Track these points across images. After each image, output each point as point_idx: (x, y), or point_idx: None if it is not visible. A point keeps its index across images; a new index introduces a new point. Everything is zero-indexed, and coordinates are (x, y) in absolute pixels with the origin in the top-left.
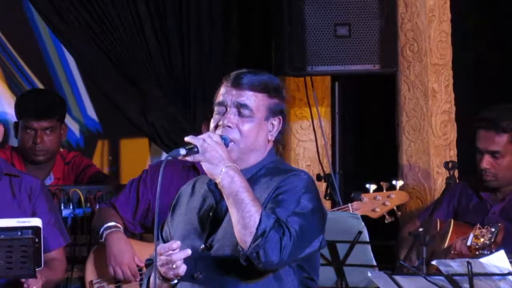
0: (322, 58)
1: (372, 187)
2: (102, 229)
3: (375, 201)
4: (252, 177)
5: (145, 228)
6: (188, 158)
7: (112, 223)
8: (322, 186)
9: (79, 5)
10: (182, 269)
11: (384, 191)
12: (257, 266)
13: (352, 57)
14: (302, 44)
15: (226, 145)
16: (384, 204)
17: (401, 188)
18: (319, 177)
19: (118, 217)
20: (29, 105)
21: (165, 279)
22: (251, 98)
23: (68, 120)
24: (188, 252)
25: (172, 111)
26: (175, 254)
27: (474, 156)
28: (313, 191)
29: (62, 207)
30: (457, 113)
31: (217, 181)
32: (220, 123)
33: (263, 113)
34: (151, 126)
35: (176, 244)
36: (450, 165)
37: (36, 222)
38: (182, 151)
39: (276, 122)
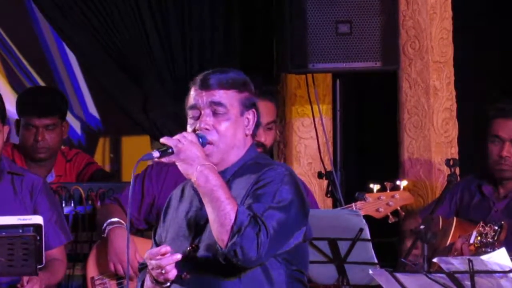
0: (324, 56)
1: (376, 187)
2: (105, 224)
3: (379, 201)
4: (234, 175)
5: (149, 224)
6: (164, 160)
7: (115, 219)
8: (323, 184)
9: (81, 2)
10: (172, 273)
11: (388, 191)
12: (236, 263)
13: (353, 54)
14: (303, 41)
15: (203, 144)
16: (388, 204)
17: (405, 188)
18: (320, 175)
19: (123, 212)
20: (31, 102)
21: (157, 282)
22: (222, 95)
23: (69, 117)
24: (178, 256)
25: (173, 108)
26: (165, 258)
27: (476, 153)
28: (290, 183)
29: (64, 205)
30: (459, 110)
31: (193, 180)
32: (197, 127)
33: (237, 109)
34: (152, 123)
35: (164, 248)
36: (451, 162)
37: (37, 219)
38: (156, 154)
39: (250, 116)
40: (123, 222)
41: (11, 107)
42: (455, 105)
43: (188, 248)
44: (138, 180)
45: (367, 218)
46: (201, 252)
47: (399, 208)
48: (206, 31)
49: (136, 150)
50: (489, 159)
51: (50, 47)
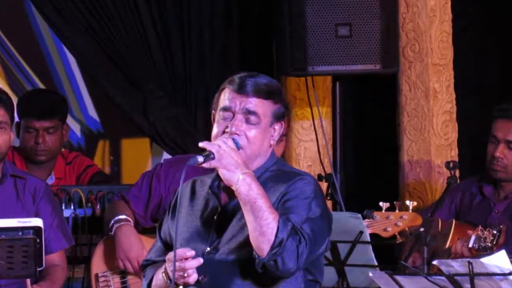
0: (323, 58)
1: (385, 205)
2: (112, 222)
3: (387, 220)
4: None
5: (156, 222)
6: (205, 165)
7: (123, 216)
8: (323, 186)
9: (80, 4)
10: (193, 278)
11: (397, 211)
12: (273, 273)
13: (353, 57)
14: (303, 44)
15: (238, 149)
16: (396, 224)
17: (414, 208)
18: (320, 177)
19: (129, 210)
20: (31, 105)
21: (175, 284)
22: (258, 104)
23: (69, 120)
24: (201, 260)
25: (173, 111)
26: (188, 262)
27: (475, 156)
28: (320, 195)
29: (63, 207)
30: (458, 113)
31: (234, 187)
32: (228, 129)
33: (269, 119)
34: (152, 126)
35: (190, 253)
36: (451, 165)
37: (37, 222)
38: (200, 159)
39: (278, 127)
40: (130, 219)
41: None
42: (455, 108)
43: (207, 250)
44: (146, 179)
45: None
46: (220, 255)
47: (407, 229)
48: (206, 34)
49: (136, 153)
50: (486, 158)
51: (50, 49)
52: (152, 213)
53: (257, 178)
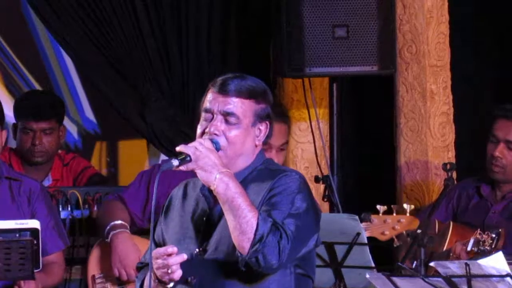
0: (320, 60)
1: (382, 208)
2: (107, 227)
3: (385, 224)
4: (243, 181)
5: None
6: (182, 168)
7: (118, 222)
8: (320, 188)
9: (78, 6)
10: (178, 274)
11: (394, 214)
12: (256, 270)
13: (350, 58)
14: (300, 45)
15: (217, 149)
16: (393, 228)
17: (412, 212)
18: (317, 179)
19: (126, 212)
20: (28, 106)
21: (161, 282)
22: (237, 105)
23: (66, 121)
24: (184, 256)
25: (170, 112)
26: (172, 258)
27: (473, 157)
28: (305, 191)
29: (60, 209)
30: (455, 114)
31: (212, 188)
32: (207, 130)
33: (250, 119)
34: (149, 127)
35: (172, 248)
36: (448, 166)
37: (34, 224)
38: (175, 162)
39: (263, 127)
40: (126, 224)
41: (8, 111)
42: (452, 109)
43: (196, 251)
44: (144, 180)
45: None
46: (209, 255)
47: (404, 232)
48: (203, 35)
49: (133, 154)
50: (486, 157)
51: (47, 51)
52: (149, 215)
53: (245, 177)
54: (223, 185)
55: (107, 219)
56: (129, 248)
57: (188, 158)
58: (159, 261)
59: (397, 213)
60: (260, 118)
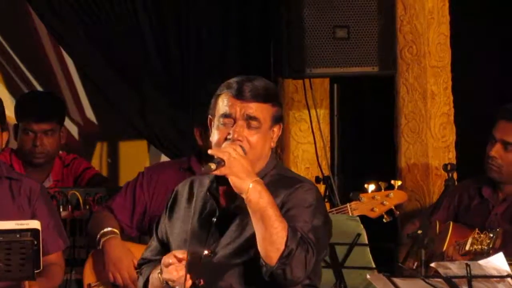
0: (321, 60)
1: (371, 187)
2: (98, 236)
3: (373, 200)
4: None
5: (142, 232)
6: (215, 172)
7: (108, 229)
8: (321, 189)
9: (78, 7)
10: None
11: (383, 190)
12: (280, 282)
13: (351, 59)
14: (301, 46)
15: None
16: (382, 203)
17: (400, 187)
18: (318, 180)
19: (115, 220)
20: (29, 107)
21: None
22: (258, 109)
23: (67, 122)
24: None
25: (171, 113)
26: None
27: (473, 158)
28: (321, 203)
29: (61, 209)
30: (456, 115)
31: (244, 195)
32: (230, 136)
33: (269, 123)
34: (150, 128)
35: (182, 255)
36: (449, 167)
37: (35, 224)
38: (213, 166)
39: (276, 129)
40: (116, 231)
41: (9, 112)
42: (452, 110)
43: (205, 253)
44: (130, 188)
45: (365, 222)
46: (218, 258)
47: (393, 208)
48: (204, 36)
49: (134, 155)
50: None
51: (48, 52)
52: (138, 223)
53: None
54: (256, 194)
55: (97, 229)
56: (121, 252)
57: (222, 163)
58: (172, 270)
59: (385, 190)
60: (275, 121)
